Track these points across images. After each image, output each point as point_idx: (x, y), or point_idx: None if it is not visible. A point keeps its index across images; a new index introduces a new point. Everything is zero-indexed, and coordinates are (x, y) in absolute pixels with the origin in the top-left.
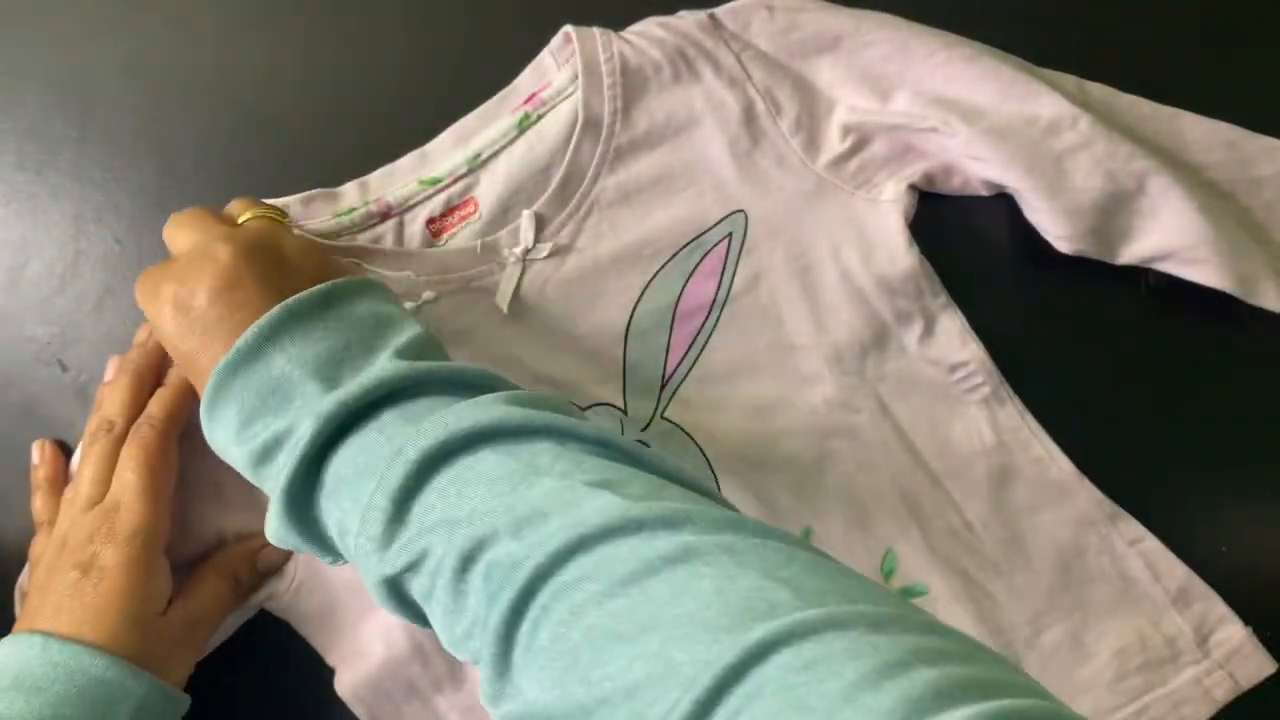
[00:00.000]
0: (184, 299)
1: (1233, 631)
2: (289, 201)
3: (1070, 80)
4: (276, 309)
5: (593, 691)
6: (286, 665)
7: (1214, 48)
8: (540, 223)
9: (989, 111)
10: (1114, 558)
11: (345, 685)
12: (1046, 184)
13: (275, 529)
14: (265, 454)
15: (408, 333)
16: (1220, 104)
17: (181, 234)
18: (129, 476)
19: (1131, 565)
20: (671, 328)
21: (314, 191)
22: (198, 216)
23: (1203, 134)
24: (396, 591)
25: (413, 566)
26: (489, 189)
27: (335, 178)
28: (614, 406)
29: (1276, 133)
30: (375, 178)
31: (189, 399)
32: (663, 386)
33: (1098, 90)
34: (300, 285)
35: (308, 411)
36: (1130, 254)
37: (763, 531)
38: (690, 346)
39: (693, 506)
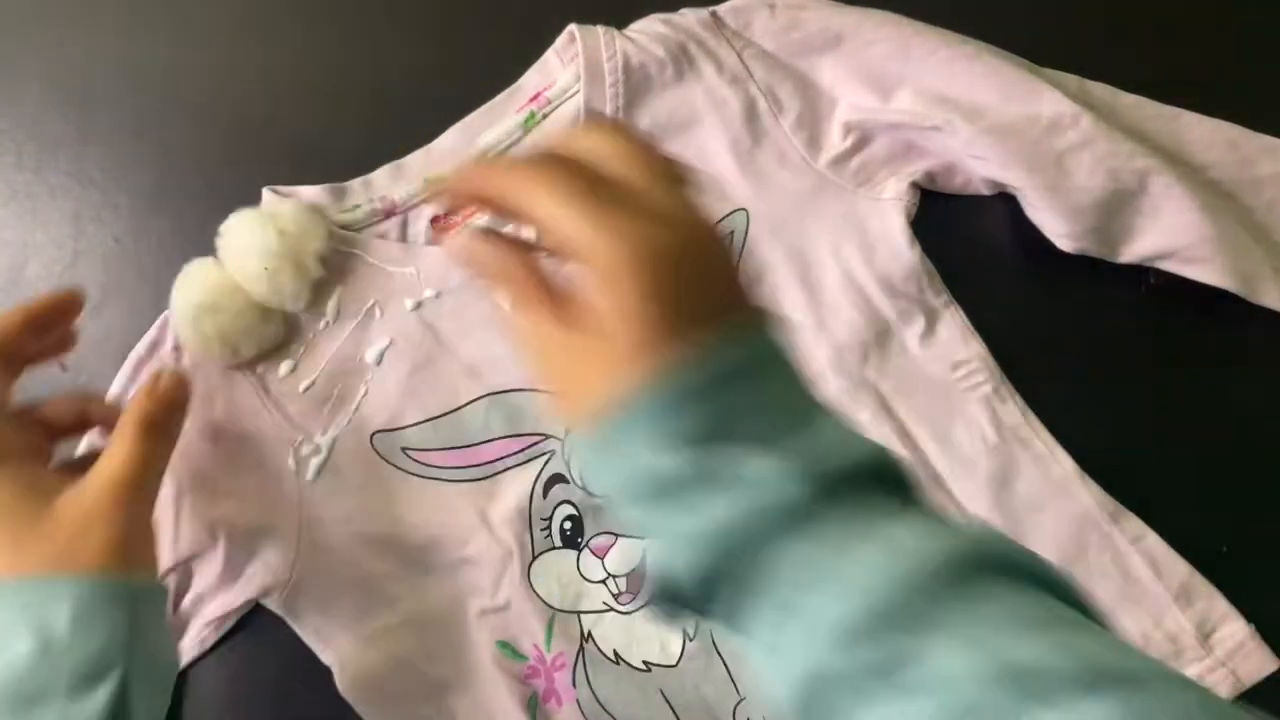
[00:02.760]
0: (668, 254)
1: (1235, 629)
2: (295, 192)
3: (1071, 80)
4: (759, 328)
5: None
6: (286, 662)
7: (1214, 48)
8: None
9: (990, 110)
10: (1116, 555)
11: (347, 684)
12: (1048, 183)
13: (690, 569)
14: (712, 478)
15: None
16: (1220, 104)
17: (639, 165)
18: None
19: (1133, 563)
20: None
21: (320, 187)
22: (654, 157)
23: (1204, 134)
24: (814, 693)
25: (886, 670)
26: None
27: (335, 178)
28: None
29: (1276, 133)
30: (381, 175)
31: (10, 328)
32: None
33: (1099, 90)
34: (739, 289)
35: (792, 457)
36: (1132, 253)
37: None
38: None
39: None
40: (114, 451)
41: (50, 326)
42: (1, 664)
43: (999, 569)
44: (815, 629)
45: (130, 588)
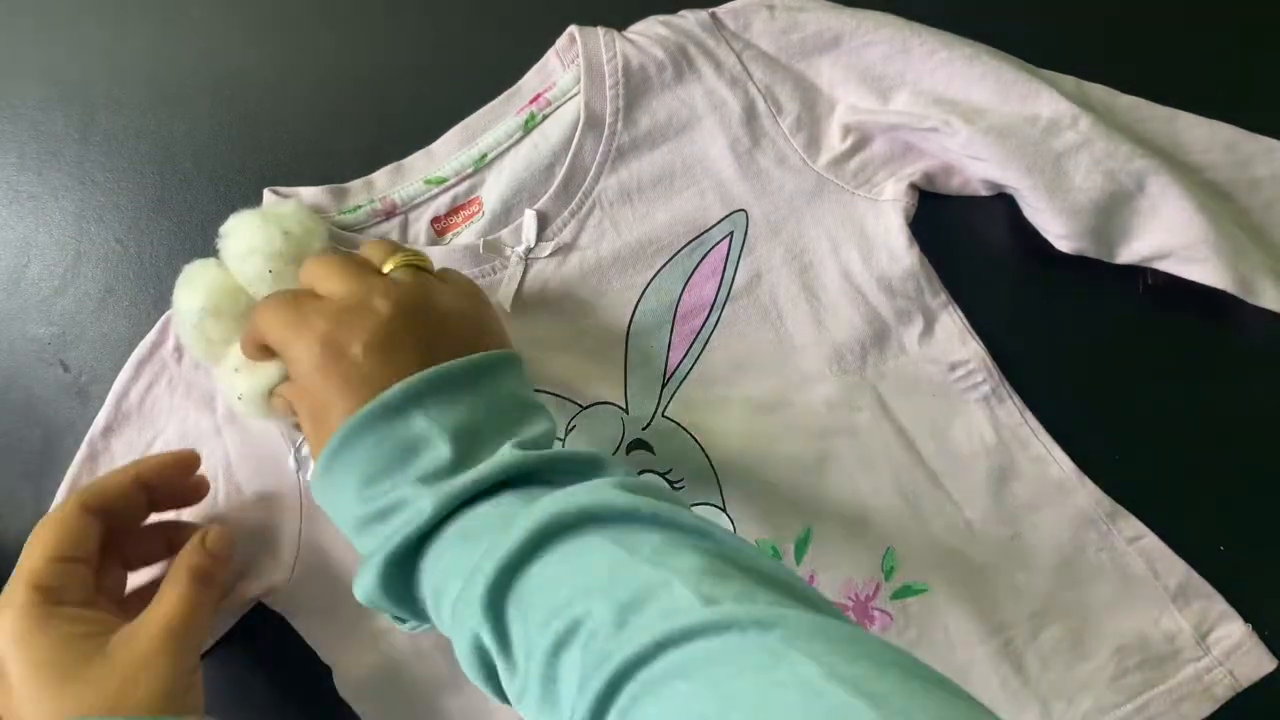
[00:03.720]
0: (338, 342)
1: (1233, 629)
2: (296, 193)
3: (1069, 80)
4: (430, 372)
5: None
6: (285, 662)
7: (1213, 48)
8: (542, 221)
9: (989, 111)
10: (1114, 555)
11: (346, 683)
12: (1046, 183)
13: (368, 588)
14: (380, 516)
15: (539, 425)
16: (1219, 104)
17: (333, 277)
18: (26, 547)
19: (1131, 563)
20: (672, 326)
21: (321, 188)
22: (348, 263)
23: (1201, 135)
24: (485, 661)
25: (508, 644)
26: (494, 188)
27: (336, 178)
28: (615, 405)
29: (1276, 133)
30: (382, 176)
31: (116, 487)
32: (664, 385)
33: (1097, 91)
34: (450, 350)
35: (435, 487)
36: (1130, 253)
37: (856, 638)
38: (691, 345)
39: (787, 610)
40: (167, 598)
41: (163, 485)
42: None
43: (576, 525)
44: (454, 609)
45: None
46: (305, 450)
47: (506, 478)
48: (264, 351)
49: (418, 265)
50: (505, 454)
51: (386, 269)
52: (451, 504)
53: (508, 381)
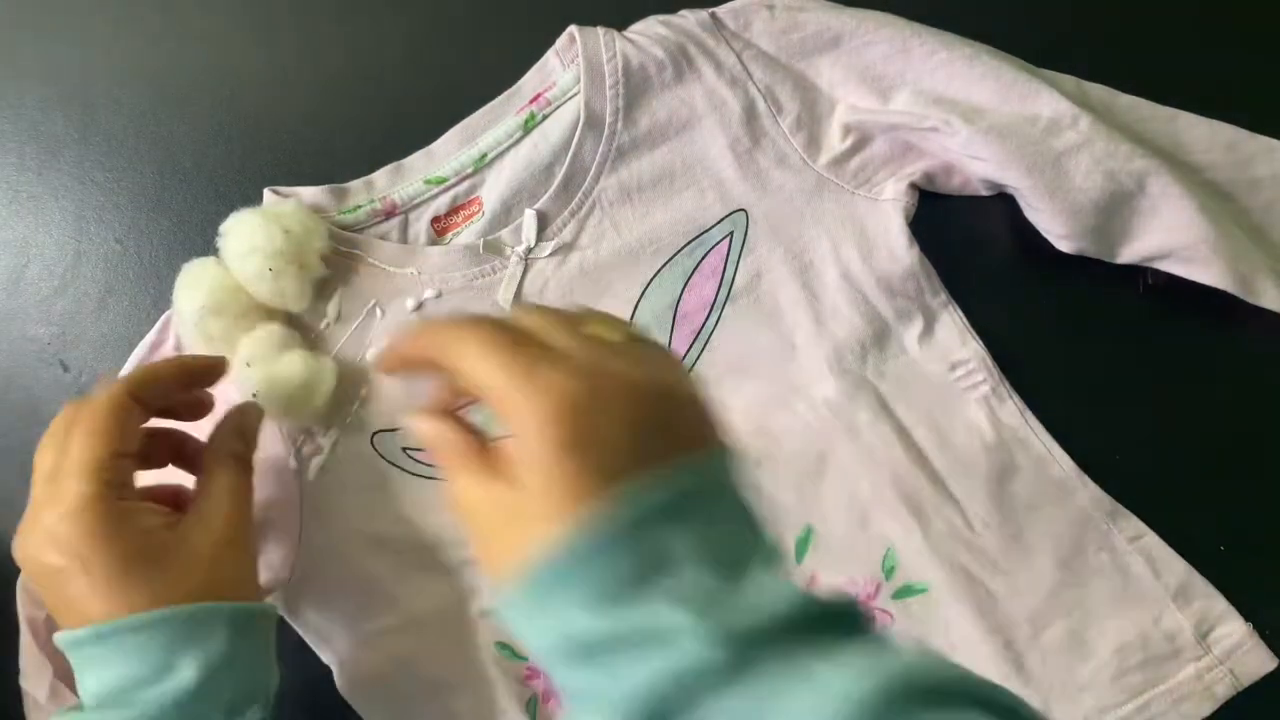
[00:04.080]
0: (591, 409)
1: (1233, 628)
2: (296, 193)
3: (1069, 80)
4: (690, 476)
5: None
6: (286, 662)
7: (1214, 48)
8: (542, 221)
9: (989, 111)
10: (1114, 555)
11: (346, 683)
12: (1046, 183)
13: None
14: (620, 642)
15: (772, 540)
16: (1220, 104)
17: (559, 337)
18: (74, 442)
19: (1132, 562)
20: (673, 326)
21: (321, 187)
22: (558, 318)
23: (1202, 135)
24: None
25: None
26: (493, 188)
27: (336, 178)
28: None
29: (1276, 133)
30: (381, 176)
31: (163, 376)
32: None
33: (1097, 90)
34: (695, 439)
35: (700, 617)
36: (1130, 253)
37: None
38: (691, 345)
39: None
40: (225, 486)
41: (199, 382)
42: (165, 693)
43: (934, 697)
44: None
45: (266, 612)
46: (306, 450)
47: (789, 626)
48: (407, 367)
49: (641, 339)
50: (784, 591)
51: (610, 338)
52: (748, 641)
53: (737, 477)
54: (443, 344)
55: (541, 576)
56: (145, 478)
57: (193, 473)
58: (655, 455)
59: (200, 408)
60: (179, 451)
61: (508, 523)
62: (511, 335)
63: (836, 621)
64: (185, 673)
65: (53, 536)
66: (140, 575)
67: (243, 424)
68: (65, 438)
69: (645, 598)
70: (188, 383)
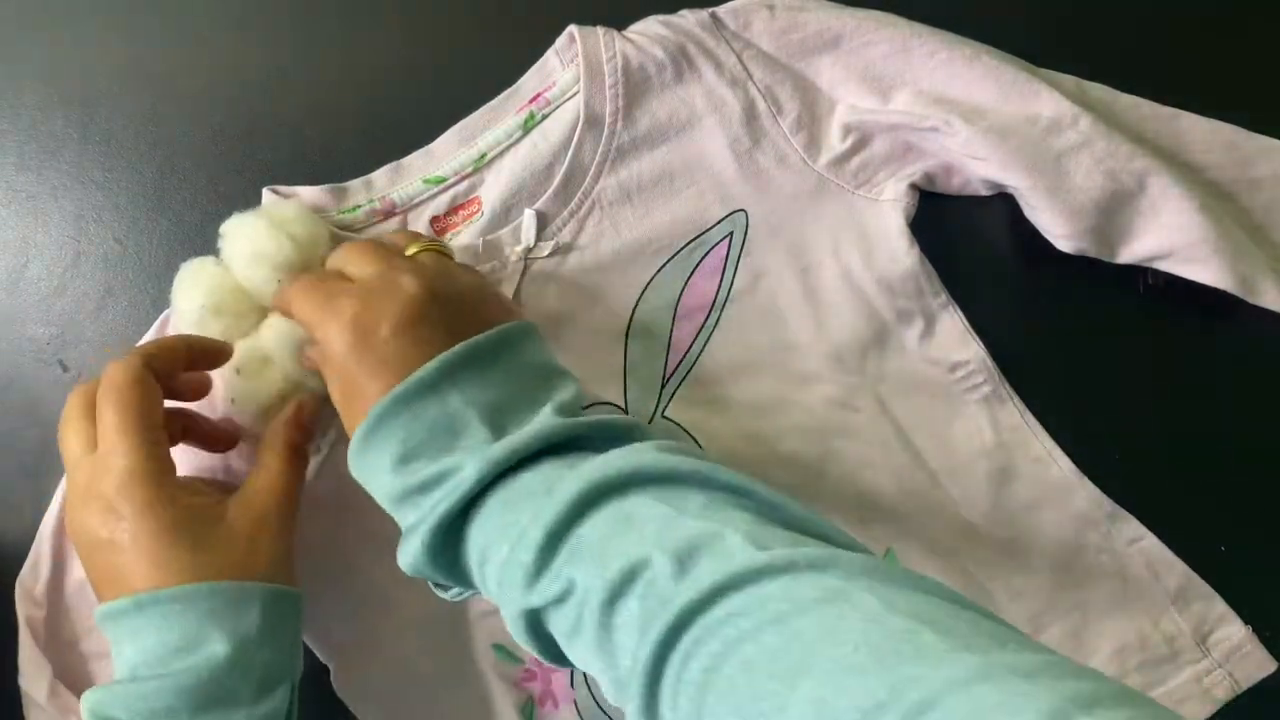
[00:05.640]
0: (367, 323)
1: (1232, 631)
2: (296, 192)
3: (1070, 80)
4: (459, 348)
5: None
6: None
7: (1214, 48)
8: (542, 221)
9: (989, 111)
10: (1114, 557)
11: (345, 683)
12: (1047, 183)
13: (414, 557)
14: (422, 488)
15: (568, 389)
16: (1220, 104)
17: (359, 260)
18: (107, 415)
19: (1131, 564)
20: (672, 326)
21: (320, 187)
22: (373, 248)
23: (1202, 134)
24: (535, 624)
25: (561, 598)
26: (493, 188)
27: (336, 178)
28: (615, 405)
29: (1276, 133)
30: (381, 175)
31: (174, 349)
32: (663, 385)
33: (1097, 90)
34: (472, 326)
35: (476, 454)
36: (1130, 253)
37: (907, 575)
38: (691, 345)
39: (839, 552)
40: (272, 471)
41: (201, 363)
42: (199, 663)
43: (622, 487)
44: (500, 576)
45: (297, 596)
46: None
47: (546, 445)
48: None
49: (439, 250)
50: (545, 421)
51: (409, 252)
52: (494, 470)
53: (530, 350)
54: (283, 299)
55: (357, 447)
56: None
57: (206, 449)
58: (427, 345)
59: (200, 388)
60: (189, 429)
61: (346, 422)
62: (322, 277)
63: (596, 437)
64: (218, 646)
65: (106, 505)
66: (181, 548)
67: (306, 415)
68: (82, 418)
69: (432, 453)
70: (191, 361)
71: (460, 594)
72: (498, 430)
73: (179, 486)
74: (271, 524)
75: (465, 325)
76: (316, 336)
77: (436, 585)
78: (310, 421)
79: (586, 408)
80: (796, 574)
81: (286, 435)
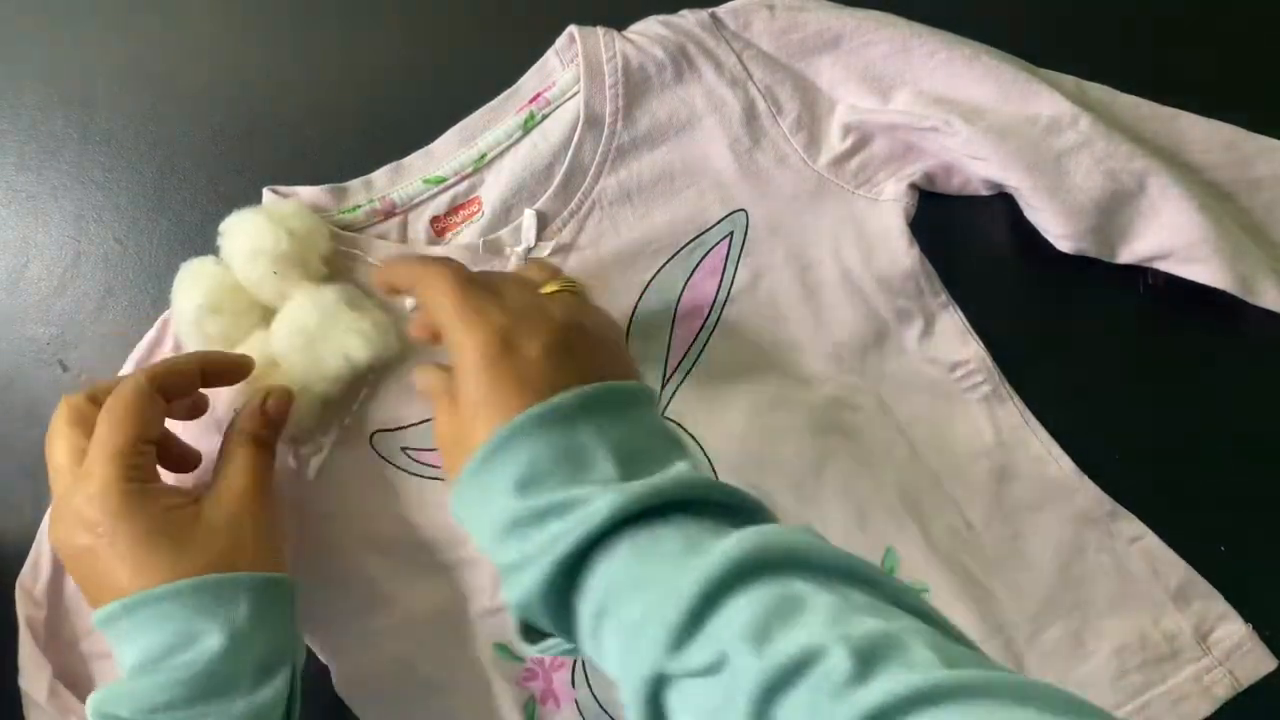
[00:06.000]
0: (514, 338)
1: (1233, 629)
2: (296, 192)
3: (1070, 80)
4: (602, 386)
5: None
6: None
7: (1213, 48)
8: (542, 221)
9: (989, 111)
10: (1114, 556)
11: (345, 683)
12: (1047, 183)
13: (528, 594)
14: (541, 516)
15: (690, 457)
16: (1220, 104)
17: (503, 285)
18: (102, 431)
19: (1131, 563)
20: (672, 326)
21: (320, 187)
22: (515, 278)
23: (1202, 134)
24: (657, 695)
25: (709, 670)
26: (493, 188)
27: (336, 178)
28: None
29: (1276, 133)
30: (381, 175)
31: (186, 373)
32: (664, 385)
33: (1097, 90)
34: (607, 370)
35: (610, 488)
36: (1130, 253)
37: (1070, 704)
38: (691, 345)
39: (1030, 682)
40: (238, 464)
41: (218, 380)
42: (195, 657)
43: (781, 566)
44: (628, 633)
45: (285, 581)
46: (305, 449)
47: (688, 496)
48: (426, 330)
49: (575, 291)
50: (682, 471)
51: (548, 290)
52: (631, 507)
53: (655, 411)
54: (419, 276)
55: (474, 470)
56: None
57: (172, 470)
58: (567, 375)
59: (195, 410)
60: (163, 449)
61: (456, 440)
62: (470, 280)
63: (727, 505)
64: (211, 639)
65: (80, 517)
66: (162, 550)
67: (271, 407)
68: (71, 428)
69: (561, 482)
70: (207, 380)
71: (552, 648)
72: (627, 473)
73: (152, 494)
74: (249, 515)
75: (601, 367)
76: (453, 340)
77: (526, 634)
78: (276, 414)
79: None
80: (991, 700)
81: (249, 426)
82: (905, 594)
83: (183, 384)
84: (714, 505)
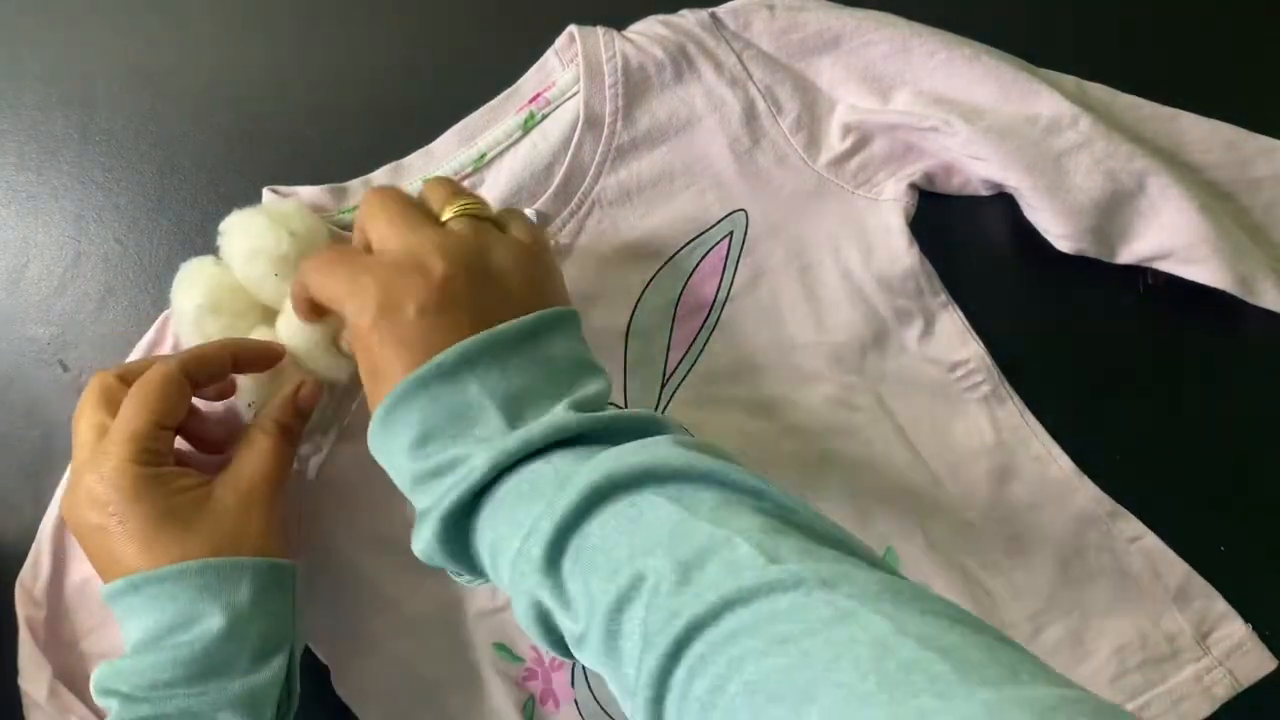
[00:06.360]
0: (392, 303)
1: (1233, 629)
2: (296, 192)
3: (1070, 80)
4: (482, 337)
5: None
6: None
7: (1213, 48)
8: (542, 221)
9: (989, 111)
10: (1114, 555)
11: (346, 683)
12: (1046, 183)
13: (426, 545)
14: (435, 473)
15: (593, 384)
16: (1220, 104)
17: (387, 228)
18: (128, 411)
19: (1131, 563)
20: (672, 326)
21: (320, 187)
22: (404, 211)
23: (1202, 134)
24: (545, 618)
25: (570, 602)
26: (493, 188)
27: (336, 178)
28: (614, 405)
29: (1276, 133)
30: (381, 175)
31: (217, 360)
32: (663, 385)
33: (1097, 90)
34: (505, 309)
35: (489, 444)
36: (1130, 253)
37: (921, 595)
38: (691, 345)
39: (850, 568)
40: (259, 449)
41: (248, 367)
42: (195, 637)
43: (630, 485)
44: (512, 570)
45: (287, 567)
46: (305, 449)
47: (560, 438)
48: (315, 311)
49: (476, 214)
50: (557, 415)
51: (444, 218)
52: (504, 461)
53: (560, 341)
54: (303, 270)
55: (376, 427)
56: None
57: (196, 448)
58: (450, 329)
59: (223, 392)
60: (189, 426)
61: (371, 391)
62: (342, 253)
63: (616, 434)
64: (213, 619)
65: (91, 495)
66: (171, 532)
67: (303, 397)
68: (99, 406)
69: (447, 439)
70: (237, 367)
71: (472, 581)
72: (514, 421)
73: (165, 477)
74: (260, 501)
75: (497, 308)
76: (342, 313)
77: (453, 573)
78: (306, 405)
79: None
80: (807, 590)
81: (280, 414)
82: (761, 492)
83: (213, 372)
84: (602, 434)
